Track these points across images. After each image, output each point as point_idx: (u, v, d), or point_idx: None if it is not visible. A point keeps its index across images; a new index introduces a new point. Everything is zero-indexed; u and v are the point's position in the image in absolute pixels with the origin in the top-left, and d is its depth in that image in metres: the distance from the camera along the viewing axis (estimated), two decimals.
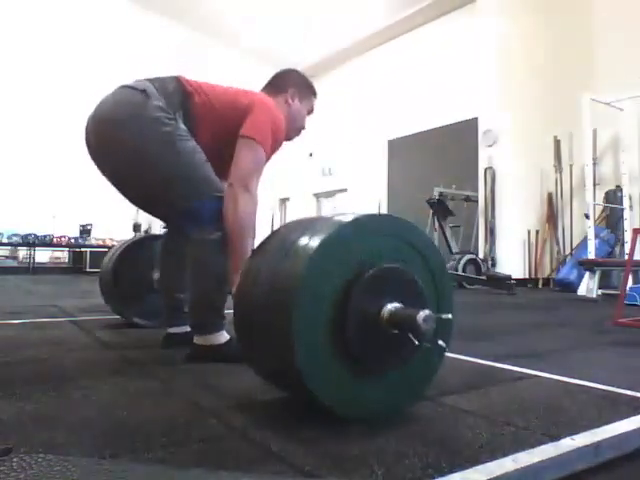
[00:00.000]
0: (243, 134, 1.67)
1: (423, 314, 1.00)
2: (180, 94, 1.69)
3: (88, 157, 1.76)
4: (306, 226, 1.13)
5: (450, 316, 1.15)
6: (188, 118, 1.68)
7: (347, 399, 1.05)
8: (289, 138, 1.93)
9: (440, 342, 1.12)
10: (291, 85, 1.94)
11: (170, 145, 1.61)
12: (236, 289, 1.21)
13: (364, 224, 1.10)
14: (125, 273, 2.37)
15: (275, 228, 1.27)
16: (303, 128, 2.01)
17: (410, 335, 1.03)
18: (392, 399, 1.12)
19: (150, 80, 1.70)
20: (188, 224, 1.69)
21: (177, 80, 1.73)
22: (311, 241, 1.04)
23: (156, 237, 2.37)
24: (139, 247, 2.42)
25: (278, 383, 1.18)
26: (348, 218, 1.10)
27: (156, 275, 2.11)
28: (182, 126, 1.65)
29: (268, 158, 1.73)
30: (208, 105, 1.71)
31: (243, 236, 1.61)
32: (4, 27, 8.88)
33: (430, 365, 1.20)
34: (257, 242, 1.29)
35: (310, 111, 2.01)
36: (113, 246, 2.61)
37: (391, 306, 1.05)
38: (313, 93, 2.01)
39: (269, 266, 1.09)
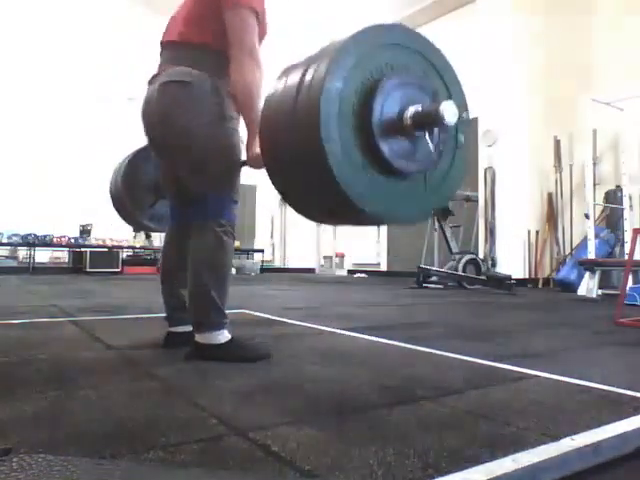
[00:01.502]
0: (226, 6, 1.66)
1: (445, 105, 1.05)
2: (198, 52, 1.71)
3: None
4: (316, 54, 1.18)
5: (466, 115, 1.21)
6: (218, 60, 1.69)
7: (377, 200, 1.08)
8: None
9: (460, 137, 1.16)
10: None
11: (214, 136, 1.66)
12: (264, 106, 1.25)
13: (369, 36, 1.15)
14: (134, 180, 2.41)
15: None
16: None
17: (428, 139, 1.07)
18: (420, 202, 1.15)
19: (174, 62, 1.72)
20: (196, 213, 1.71)
21: (179, 44, 1.74)
22: (323, 63, 1.09)
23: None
24: (143, 154, 2.45)
25: (308, 192, 1.20)
26: (361, 29, 1.14)
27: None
28: (229, 112, 1.69)
29: (261, 18, 1.71)
30: (207, 27, 1.71)
31: (254, 101, 1.63)
32: (3, 28, 8.88)
33: (453, 169, 1.24)
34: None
35: None
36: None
37: (413, 108, 1.08)
38: None
39: (293, 86, 1.13)
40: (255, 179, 9.84)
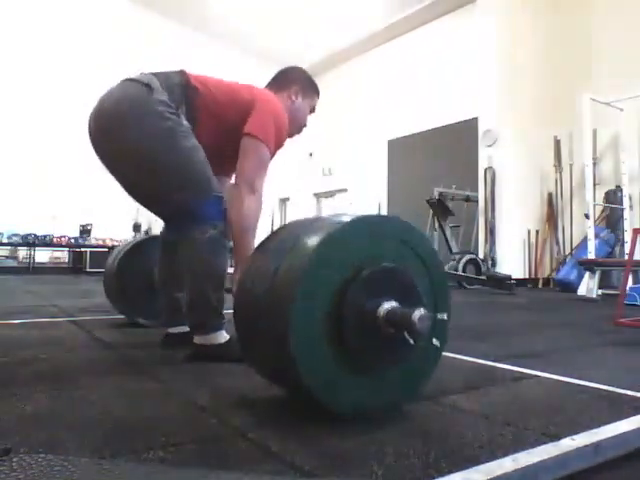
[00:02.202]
0: (247, 132, 1.68)
1: (418, 313, 1.01)
2: (184, 87, 1.69)
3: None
4: (306, 226, 1.14)
5: (445, 316, 1.16)
6: (190, 111, 1.69)
7: (343, 395, 1.05)
8: (290, 135, 1.94)
9: (435, 341, 1.12)
10: (295, 82, 1.94)
11: (170, 141, 1.60)
12: (237, 287, 1.22)
13: (363, 225, 1.11)
14: (129, 274, 2.38)
15: (275, 228, 1.29)
16: (304, 126, 2.02)
17: (406, 334, 1.04)
18: (388, 397, 1.12)
19: (154, 74, 1.70)
20: (184, 222, 1.68)
21: (182, 74, 1.73)
22: (310, 240, 1.05)
23: (157, 238, 2.38)
24: (141, 248, 2.43)
25: (277, 380, 1.18)
26: (347, 219, 1.10)
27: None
28: (184, 122, 1.65)
29: (272, 156, 1.74)
30: (210, 98, 1.72)
31: (247, 236, 1.63)
32: (3, 28, 8.88)
33: (426, 364, 1.21)
34: (257, 242, 1.29)
35: (312, 110, 2.02)
36: (115, 247, 2.63)
37: (388, 305, 1.05)
38: (316, 92, 2.01)
39: (269, 265, 1.10)
40: None
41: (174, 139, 1.61)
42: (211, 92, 1.72)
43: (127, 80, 1.68)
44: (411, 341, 1.05)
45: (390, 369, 1.11)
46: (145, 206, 1.86)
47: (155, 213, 1.89)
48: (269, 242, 1.20)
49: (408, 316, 1.02)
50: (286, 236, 1.15)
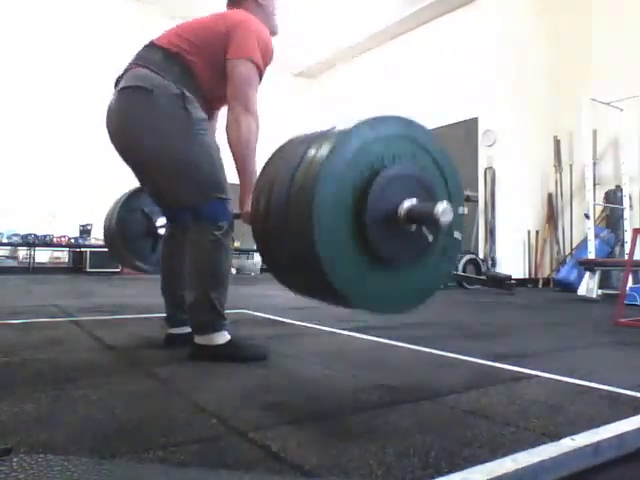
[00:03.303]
0: (230, 56, 1.67)
1: (441, 206, 1.05)
2: (171, 61, 1.69)
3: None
4: (316, 135, 1.16)
5: (465, 210, 1.20)
6: (189, 77, 1.69)
7: (363, 289, 1.07)
8: (273, 34, 1.90)
9: (456, 234, 1.16)
10: None
11: (187, 144, 1.64)
12: (253, 201, 1.23)
13: (379, 124, 1.13)
14: (129, 220, 2.41)
15: None
16: (276, 22, 1.96)
17: (425, 231, 1.08)
18: (407, 293, 1.15)
19: (143, 64, 1.70)
20: (191, 221, 1.70)
21: (159, 48, 1.73)
22: (326, 144, 1.08)
23: None
24: (140, 195, 2.46)
25: (299, 279, 1.20)
26: (365, 119, 1.13)
27: (159, 221, 2.21)
28: (197, 114, 1.66)
29: (261, 70, 1.72)
30: (195, 51, 1.71)
31: (249, 155, 1.64)
32: (2, 28, 8.88)
33: (444, 262, 1.24)
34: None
35: None
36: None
37: (409, 202, 1.08)
38: None
39: (285, 172, 1.12)
40: None
41: (190, 141, 1.64)
42: (192, 45, 1.71)
43: (127, 89, 1.66)
44: (430, 238, 1.09)
45: (411, 266, 1.15)
46: (156, 202, 1.92)
47: (164, 209, 1.92)
48: (277, 155, 1.22)
49: (430, 210, 1.05)
50: (295, 146, 1.18)
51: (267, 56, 1.75)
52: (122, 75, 1.75)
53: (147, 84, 1.63)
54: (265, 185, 1.18)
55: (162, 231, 2.13)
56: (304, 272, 1.11)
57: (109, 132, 1.73)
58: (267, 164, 1.24)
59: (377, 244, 1.08)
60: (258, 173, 1.31)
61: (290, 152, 1.17)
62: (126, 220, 2.40)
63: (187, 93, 1.66)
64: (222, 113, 1.85)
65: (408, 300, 1.20)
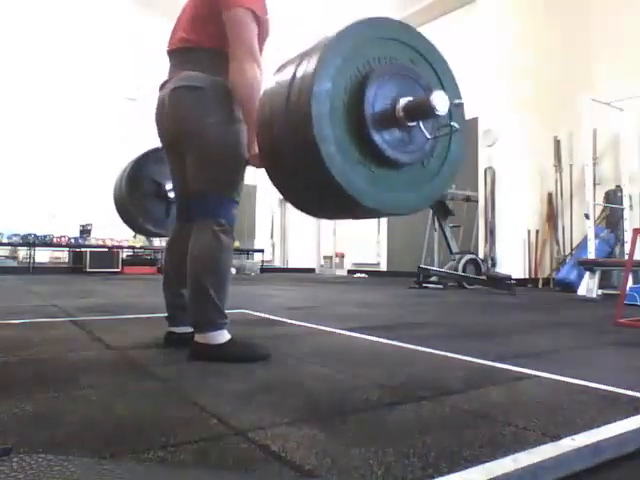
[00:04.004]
0: (224, 9, 1.68)
1: (436, 94, 1.06)
2: (208, 56, 1.74)
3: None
4: (314, 43, 1.21)
5: (462, 101, 1.23)
6: (218, 59, 1.72)
7: (377, 191, 1.11)
8: None
9: (453, 123, 1.18)
10: None
11: (223, 138, 1.69)
12: (257, 121, 1.29)
13: (372, 26, 1.16)
14: (139, 180, 2.44)
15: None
16: None
17: (422, 128, 1.09)
18: (418, 188, 1.17)
19: (186, 67, 1.75)
20: (196, 211, 1.74)
21: (192, 49, 1.77)
22: (322, 45, 1.12)
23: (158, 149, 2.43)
24: (150, 156, 2.47)
25: (305, 185, 1.23)
26: (350, 24, 1.18)
27: (168, 185, 2.26)
28: (237, 113, 1.70)
29: (258, 17, 1.72)
30: (214, 30, 1.73)
31: (254, 100, 1.64)
32: (3, 27, 8.88)
33: (450, 154, 1.27)
34: None
35: None
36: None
37: (404, 99, 1.10)
38: None
39: (284, 78, 1.15)
40: (255, 179, 9.84)
41: (227, 137, 1.70)
42: (200, 34, 1.75)
43: (179, 89, 1.72)
44: (427, 135, 1.11)
45: (418, 162, 1.16)
46: (176, 190, 1.95)
47: (179, 200, 1.94)
48: (274, 77, 1.27)
49: (426, 101, 1.07)
50: (289, 65, 1.22)
51: (261, 5, 1.75)
52: (167, 81, 1.82)
53: (196, 82, 1.71)
54: (264, 116, 1.22)
55: (172, 195, 2.14)
56: (317, 189, 1.13)
57: (159, 127, 1.85)
58: (263, 93, 1.28)
59: (379, 145, 1.09)
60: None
61: (285, 68, 1.21)
62: (136, 181, 2.43)
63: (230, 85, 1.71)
64: None
65: (413, 200, 1.21)
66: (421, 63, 1.24)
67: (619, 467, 0.93)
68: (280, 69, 1.27)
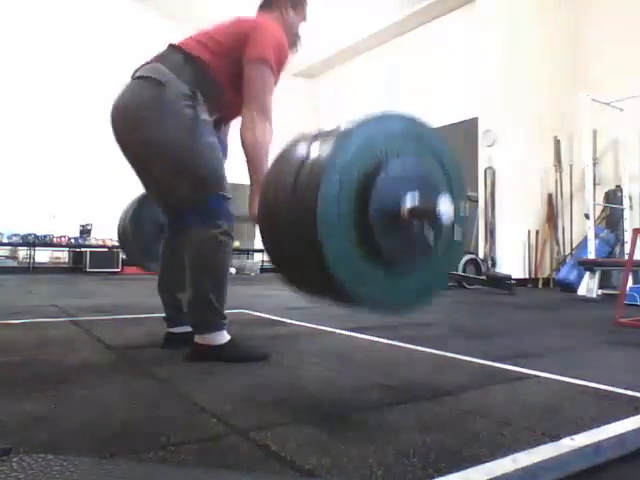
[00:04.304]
0: (248, 57, 1.69)
1: (442, 204, 1.08)
2: (189, 64, 1.70)
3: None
4: (326, 131, 1.18)
5: (466, 213, 1.25)
6: (208, 82, 1.70)
7: (363, 284, 1.11)
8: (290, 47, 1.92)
9: (457, 236, 1.19)
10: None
11: (190, 140, 1.64)
12: (260, 197, 1.25)
13: (382, 123, 1.16)
14: (142, 222, 2.45)
15: None
16: (299, 37, 2.00)
17: (426, 230, 1.10)
18: (411, 291, 1.20)
19: (159, 60, 1.72)
20: (191, 219, 1.70)
21: (180, 50, 1.74)
22: (332, 139, 1.10)
23: None
24: (149, 205, 2.49)
25: (302, 273, 1.21)
26: (366, 118, 1.15)
27: None
28: (202, 116, 1.67)
29: (276, 76, 1.74)
30: (217, 57, 1.72)
31: (262, 157, 1.64)
32: (3, 28, 8.88)
33: (447, 262, 1.27)
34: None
35: (304, 19, 2.01)
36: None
37: (411, 196, 1.11)
38: (305, 1, 2.00)
39: (290, 167, 1.14)
40: None
41: (193, 137, 1.65)
42: (214, 46, 1.73)
43: (140, 79, 1.69)
44: (431, 237, 1.12)
45: (417, 261, 1.18)
46: (157, 200, 1.91)
47: (164, 208, 1.92)
48: (284, 153, 1.24)
49: (432, 209, 1.09)
50: (301, 144, 1.19)
51: (282, 61, 1.76)
52: (139, 68, 1.76)
53: (160, 77, 1.65)
54: (271, 179, 1.20)
55: None
56: (307, 265, 1.12)
57: (112, 116, 1.73)
58: (274, 162, 1.25)
59: (381, 241, 1.09)
60: None
61: (296, 149, 1.19)
62: (140, 221, 2.44)
63: (199, 96, 1.67)
64: (234, 123, 1.86)
65: (407, 300, 1.21)
66: (432, 163, 1.23)
67: (619, 467, 0.93)
68: (289, 148, 1.24)
